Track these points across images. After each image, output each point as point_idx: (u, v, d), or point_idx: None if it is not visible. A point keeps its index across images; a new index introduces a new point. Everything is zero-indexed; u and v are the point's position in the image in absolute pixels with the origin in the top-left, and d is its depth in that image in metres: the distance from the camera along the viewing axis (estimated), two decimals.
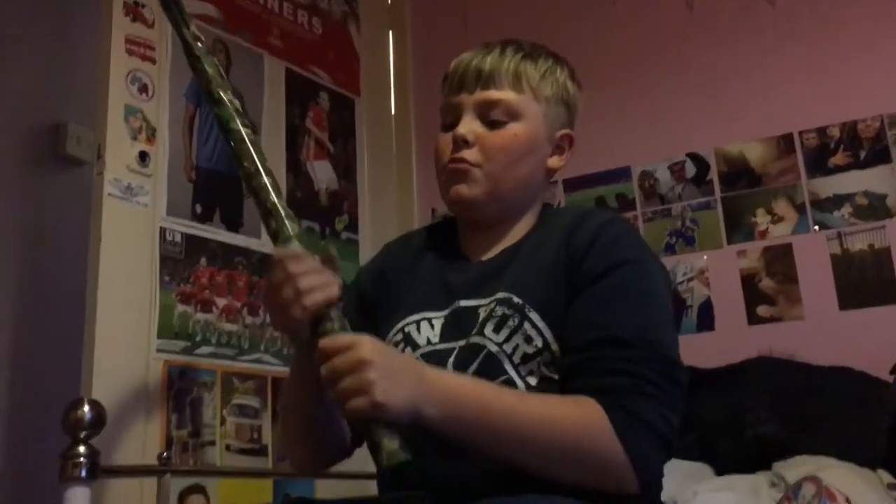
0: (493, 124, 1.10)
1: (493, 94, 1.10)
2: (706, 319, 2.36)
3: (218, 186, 2.17)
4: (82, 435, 1.50)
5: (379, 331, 1.11)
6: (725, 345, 2.26)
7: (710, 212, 2.42)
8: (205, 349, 2.04)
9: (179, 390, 1.95)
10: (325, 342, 0.89)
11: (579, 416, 0.91)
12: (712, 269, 2.40)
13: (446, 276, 1.12)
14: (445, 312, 1.08)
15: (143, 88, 2.01)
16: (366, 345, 0.87)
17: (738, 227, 2.38)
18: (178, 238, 2.03)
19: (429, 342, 1.07)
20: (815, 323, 2.26)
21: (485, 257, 1.12)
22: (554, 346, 0.99)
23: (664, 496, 1.38)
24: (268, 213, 0.98)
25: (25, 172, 2.11)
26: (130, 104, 1.97)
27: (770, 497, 1.48)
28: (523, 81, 1.11)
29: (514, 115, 1.10)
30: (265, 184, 0.99)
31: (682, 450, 1.86)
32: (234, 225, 2.19)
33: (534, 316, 1.01)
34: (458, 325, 1.06)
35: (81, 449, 1.49)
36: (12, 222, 2.04)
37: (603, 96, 2.60)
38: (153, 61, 2.04)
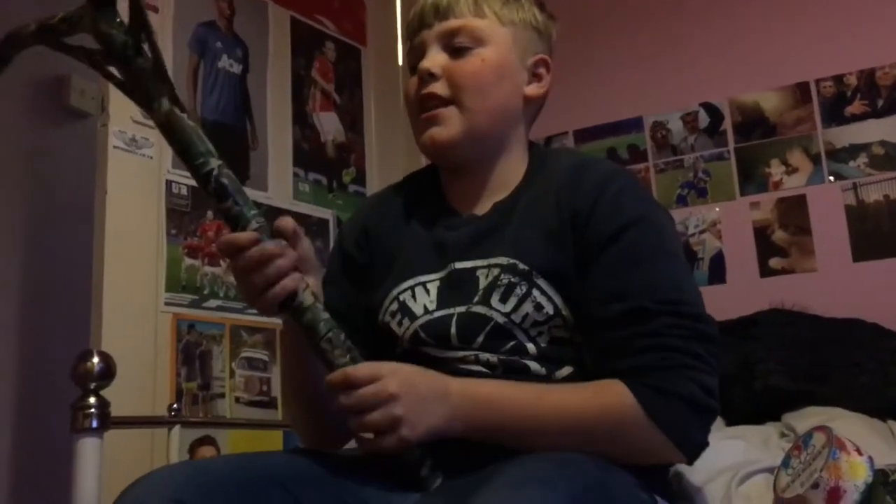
0: (457, 52, 1.04)
1: (454, 22, 1.05)
2: (718, 272, 2.34)
3: (224, 138, 2.15)
4: (92, 386, 1.50)
5: (371, 297, 1.07)
6: (737, 297, 2.24)
7: (723, 163, 2.39)
8: (213, 302, 2.03)
9: (188, 343, 1.96)
10: (351, 371, 0.86)
11: (606, 405, 0.89)
12: (725, 221, 2.37)
13: (437, 233, 1.07)
14: (441, 275, 1.04)
15: None
16: (395, 377, 0.85)
17: (752, 179, 2.35)
18: (184, 191, 2.02)
19: (426, 310, 1.02)
20: (827, 275, 2.24)
21: (477, 211, 1.06)
22: (565, 312, 0.96)
23: None
24: (222, 195, 0.93)
25: (29, 125, 2.08)
26: None
27: (780, 447, 1.47)
28: (485, 7, 1.05)
29: (478, 39, 1.04)
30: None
31: None
32: (240, 177, 2.15)
33: (542, 283, 0.97)
34: (455, 289, 1.02)
35: (92, 400, 1.49)
36: (17, 176, 2.03)
37: (614, 46, 2.55)
38: (156, 10, 2.00)
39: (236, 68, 2.21)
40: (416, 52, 1.07)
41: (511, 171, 1.07)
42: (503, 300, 0.97)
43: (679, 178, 2.43)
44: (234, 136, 2.18)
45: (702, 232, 2.37)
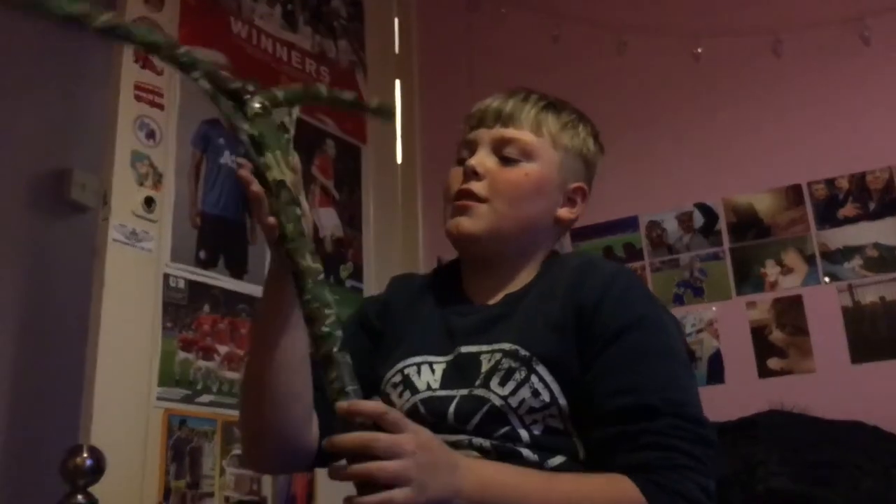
0: (506, 161, 1.09)
1: (511, 131, 1.10)
2: (716, 372, 2.33)
3: (222, 233, 2.16)
4: (81, 482, 1.47)
5: (379, 367, 1.10)
6: (736, 398, 2.22)
7: (718, 262, 2.40)
8: (205, 397, 2.00)
9: (179, 439, 1.92)
10: (382, 411, 0.82)
11: (615, 498, 0.91)
12: (721, 321, 2.37)
13: (449, 319, 1.10)
14: (448, 358, 1.06)
15: (151, 134, 2.01)
16: (417, 435, 0.83)
17: (747, 278, 2.36)
18: (181, 284, 2.02)
19: (428, 387, 1.04)
20: (826, 376, 2.22)
21: (489, 301, 1.10)
22: (561, 402, 0.98)
23: None
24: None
25: (30, 218, 2.10)
26: (138, 150, 1.97)
27: None
28: (543, 127, 1.11)
29: (528, 154, 1.09)
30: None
31: None
32: (237, 272, 2.18)
33: (541, 369, 0.99)
34: (459, 373, 1.04)
35: (80, 497, 1.46)
36: (16, 267, 2.03)
37: (610, 146, 2.60)
38: (161, 107, 2.05)
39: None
40: (467, 147, 1.13)
41: (527, 272, 1.12)
42: (502, 383, 0.99)
43: (675, 277, 2.44)
44: (233, 231, 2.20)
45: (699, 331, 2.37)
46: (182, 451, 1.91)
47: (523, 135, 1.10)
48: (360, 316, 1.18)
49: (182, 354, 1.98)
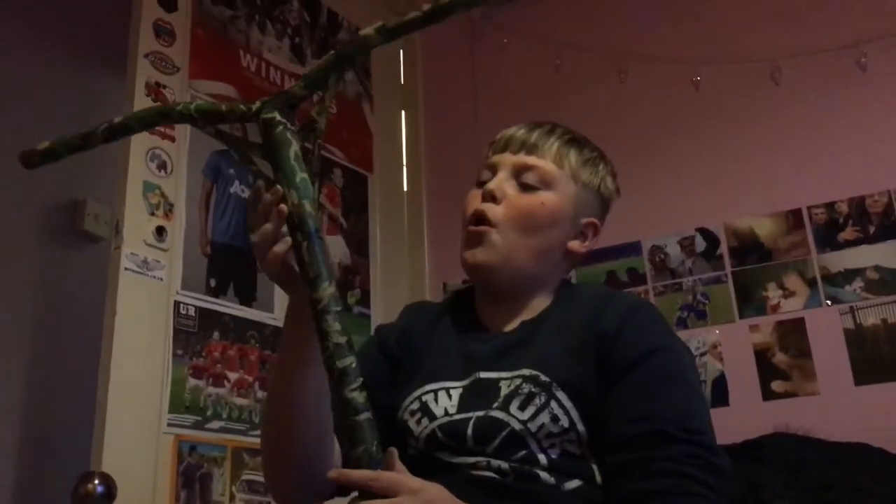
0: (524, 188, 1.11)
1: (533, 159, 1.12)
2: (720, 394, 2.34)
3: (232, 261, 2.20)
4: None
5: (397, 394, 1.10)
6: (740, 420, 2.23)
7: (720, 286, 2.43)
8: (215, 423, 2.03)
9: (189, 465, 1.94)
10: (373, 477, 0.83)
11: None
12: (725, 344, 2.39)
13: (466, 346, 1.12)
14: (465, 383, 1.08)
15: (162, 165, 2.06)
16: (416, 497, 0.83)
17: (750, 302, 2.38)
18: (191, 312, 2.05)
19: (446, 413, 1.05)
20: (830, 398, 2.23)
21: (505, 328, 1.12)
22: (580, 427, 0.99)
23: None
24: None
25: (43, 247, 2.15)
26: (149, 180, 2.01)
27: None
28: (565, 160, 1.14)
29: (547, 183, 1.12)
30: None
31: None
32: (247, 299, 2.21)
33: (561, 395, 1.00)
34: (476, 396, 1.05)
35: None
36: (29, 297, 2.07)
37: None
38: (172, 139, 2.09)
39: (247, 194, 2.29)
40: (488, 170, 1.15)
41: (541, 301, 1.13)
42: (521, 408, 1.00)
43: (678, 300, 2.47)
44: (243, 259, 2.23)
45: (703, 354, 2.39)
46: (192, 476, 1.93)
47: (545, 164, 1.12)
48: (379, 342, 1.19)
49: (192, 381, 2.00)
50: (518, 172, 1.12)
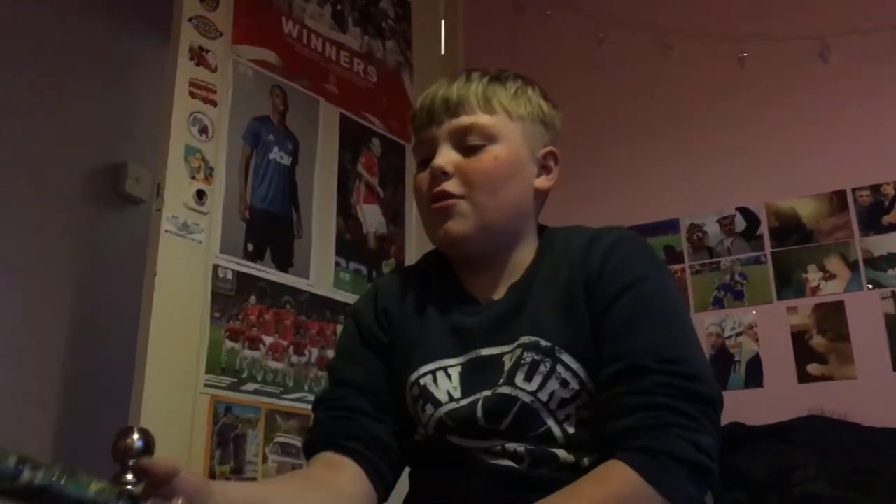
0: (469, 150, 1.04)
1: (465, 119, 1.05)
2: (755, 376, 2.32)
3: (270, 226, 2.22)
4: (131, 463, 1.52)
5: (394, 382, 1.05)
6: (774, 402, 2.21)
7: (759, 266, 2.40)
8: (250, 386, 2.06)
9: (224, 425, 1.97)
10: None
11: (619, 496, 0.85)
12: (761, 325, 2.36)
13: (456, 319, 1.06)
14: (462, 360, 1.03)
15: (204, 129, 2.08)
16: None
17: (789, 283, 2.35)
18: (229, 275, 2.07)
19: (450, 397, 1.00)
20: (867, 383, 2.21)
21: (495, 296, 1.06)
22: (591, 386, 0.96)
23: None
24: None
25: (86, 210, 2.18)
26: (191, 144, 2.03)
27: None
28: (494, 103, 1.06)
29: (490, 137, 1.04)
30: None
31: None
32: (283, 265, 2.23)
33: (565, 357, 0.97)
34: (479, 375, 1.00)
35: (129, 476, 1.50)
36: (73, 256, 2.11)
37: (653, 147, 2.62)
38: (214, 104, 2.11)
39: (286, 160, 2.30)
40: (425, 148, 1.07)
41: (523, 255, 1.08)
42: (528, 378, 0.96)
43: (715, 280, 2.44)
44: (280, 225, 2.25)
45: (738, 335, 2.37)
46: (227, 436, 1.97)
47: (478, 118, 1.04)
48: (361, 335, 1.10)
49: (229, 343, 2.03)
50: (457, 138, 1.05)
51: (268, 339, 2.13)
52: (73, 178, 2.17)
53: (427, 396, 1.01)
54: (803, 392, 2.24)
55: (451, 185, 1.03)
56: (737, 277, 2.42)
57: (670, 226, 2.53)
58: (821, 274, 2.32)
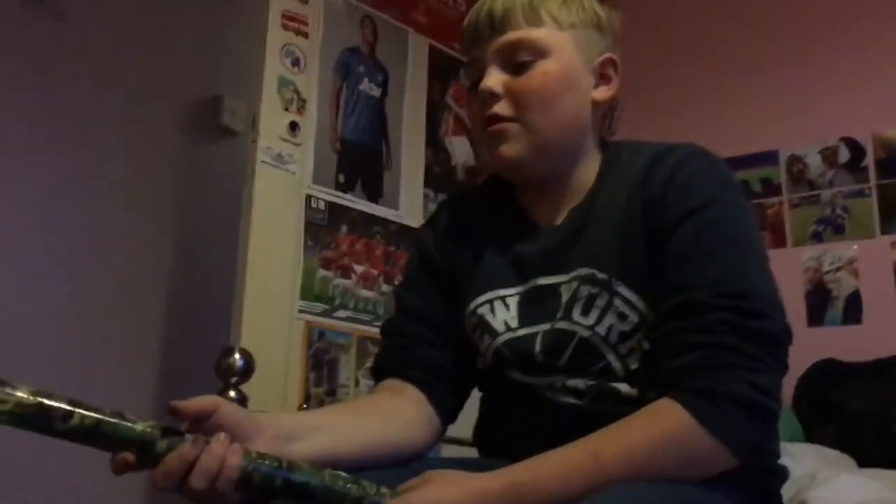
0: (519, 68, 0.97)
1: (511, 35, 0.97)
2: (853, 312, 2.25)
3: (360, 158, 2.25)
4: (233, 380, 1.60)
5: (455, 310, 1.03)
6: (873, 338, 2.15)
7: (863, 199, 2.30)
8: (342, 313, 2.12)
9: (317, 350, 2.04)
10: None
11: (669, 435, 0.82)
12: (862, 260, 2.28)
13: (515, 246, 1.01)
14: (520, 289, 1.00)
15: (296, 62, 2.10)
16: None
17: (894, 217, 2.25)
18: (321, 205, 2.12)
19: (507, 327, 0.98)
20: None
21: (555, 221, 1.01)
22: (651, 317, 0.91)
23: (800, 472, 1.34)
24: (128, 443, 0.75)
25: (185, 142, 2.25)
26: (284, 76, 2.07)
27: None
28: (542, 13, 0.98)
29: (539, 51, 0.97)
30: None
31: (824, 439, 1.79)
32: (373, 195, 2.27)
33: (623, 290, 0.92)
34: (537, 305, 0.97)
35: (232, 394, 1.59)
36: (171, 188, 2.19)
37: (752, 75, 2.52)
38: (306, 36, 2.13)
39: (376, 92, 2.31)
40: (474, 70, 1.02)
41: (586, 175, 1.01)
42: (585, 313, 0.93)
43: (815, 213, 2.36)
44: (370, 157, 2.28)
45: (837, 270, 2.29)
46: (321, 361, 2.04)
47: (525, 33, 0.97)
48: (422, 261, 1.09)
49: (322, 272, 2.09)
50: (504, 56, 0.98)
51: (359, 268, 2.18)
52: (172, 110, 2.24)
53: (485, 326, 1.00)
54: None
55: (501, 108, 0.97)
56: (838, 211, 2.33)
57: (769, 157, 2.45)
58: None
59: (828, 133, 2.39)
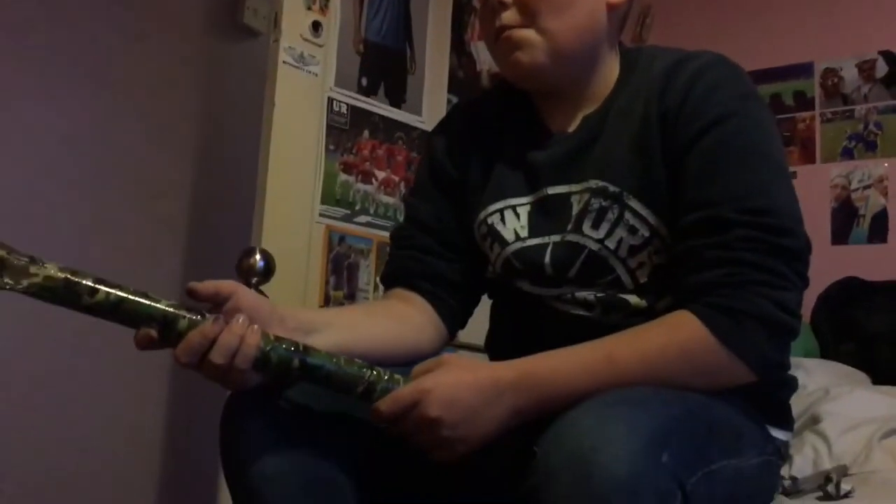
0: None
1: None
2: (879, 230, 2.22)
3: (384, 61, 2.21)
4: (254, 280, 1.62)
5: (463, 214, 1.03)
6: None
7: None
8: (363, 218, 2.12)
9: (338, 254, 2.06)
10: (385, 406, 0.79)
11: (683, 345, 0.82)
12: (893, 179, 2.24)
13: (527, 154, 1.00)
14: (531, 199, 0.99)
15: None
16: (434, 396, 0.78)
17: None
18: (343, 109, 2.10)
19: (517, 237, 0.98)
20: None
21: (569, 128, 0.99)
22: (663, 231, 0.91)
23: (814, 387, 1.35)
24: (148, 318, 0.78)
25: (206, 40, 2.21)
26: None
27: None
28: None
29: None
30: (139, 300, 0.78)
31: (840, 356, 1.80)
32: (396, 100, 2.23)
33: (634, 203, 0.91)
34: (548, 215, 0.97)
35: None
36: (193, 87, 2.17)
37: None
38: None
39: None
40: None
41: (602, 82, 0.99)
42: (595, 226, 0.93)
43: (847, 129, 2.31)
44: (394, 59, 2.24)
45: (866, 187, 2.25)
46: (341, 265, 2.06)
47: None
48: (431, 169, 1.08)
49: (343, 176, 2.08)
50: None
51: (380, 174, 2.17)
52: (193, 7, 2.19)
53: (494, 235, 1.00)
54: None
55: (510, 17, 0.95)
56: (871, 127, 2.27)
57: (803, 69, 2.38)
58: None
59: (866, 46, 2.31)
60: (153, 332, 0.77)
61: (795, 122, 2.35)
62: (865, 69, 2.30)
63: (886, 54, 2.28)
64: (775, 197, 0.85)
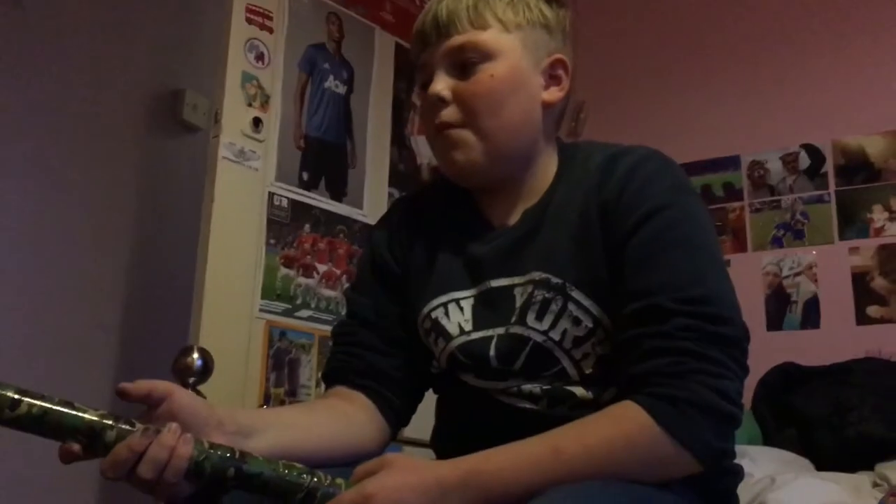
0: (465, 71, 0.96)
1: (457, 39, 0.96)
2: (812, 316, 2.28)
3: (325, 155, 2.22)
4: (191, 380, 1.57)
5: (405, 310, 1.02)
6: (831, 343, 2.18)
7: (822, 205, 2.33)
8: (304, 312, 2.09)
9: (279, 350, 2.02)
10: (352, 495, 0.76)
11: (630, 437, 0.81)
12: (821, 265, 2.31)
13: (469, 247, 1.00)
14: (474, 292, 0.98)
15: (260, 56, 2.07)
16: (378, 498, 0.76)
17: (852, 223, 2.29)
18: (284, 203, 2.09)
19: (461, 331, 0.97)
20: None
21: (509, 221, 1.00)
22: (605, 322, 0.91)
23: (760, 474, 1.35)
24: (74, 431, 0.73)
25: (144, 136, 2.21)
26: (247, 71, 2.04)
27: (872, 496, 1.42)
28: (487, 16, 0.97)
29: (485, 54, 0.96)
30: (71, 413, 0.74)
31: (783, 442, 1.81)
32: (337, 194, 2.24)
33: (577, 294, 0.91)
34: (491, 308, 0.96)
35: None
36: (130, 183, 2.15)
37: (715, 81, 2.54)
38: (270, 31, 2.10)
39: (341, 89, 2.29)
40: (423, 72, 1.01)
41: (541, 176, 1.00)
42: (539, 318, 0.92)
43: (775, 219, 2.39)
44: (334, 154, 2.26)
45: (797, 274, 2.32)
46: (281, 360, 2.01)
47: (470, 36, 0.96)
48: (373, 263, 1.07)
49: (284, 270, 2.06)
50: (450, 60, 0.97)
51: (321, 268, 2.16)
52: (131, 104, 2.19)
53: (439, 330, 0.99)
54: (862, 334, 2.20)
55: (449, 114, 0.96)
56: (798, 216, 2.36)
57: (730, 162, 2.47)
58: (886, 214, 2.25)
59: (789, 139, 2.42)
60: (75, 447, 0.73)
61: (726, 212, 2.43)
62: (789, 161, 2.40)
63: (808, 147, 2.39)
64: (712, 286, 0.86)
